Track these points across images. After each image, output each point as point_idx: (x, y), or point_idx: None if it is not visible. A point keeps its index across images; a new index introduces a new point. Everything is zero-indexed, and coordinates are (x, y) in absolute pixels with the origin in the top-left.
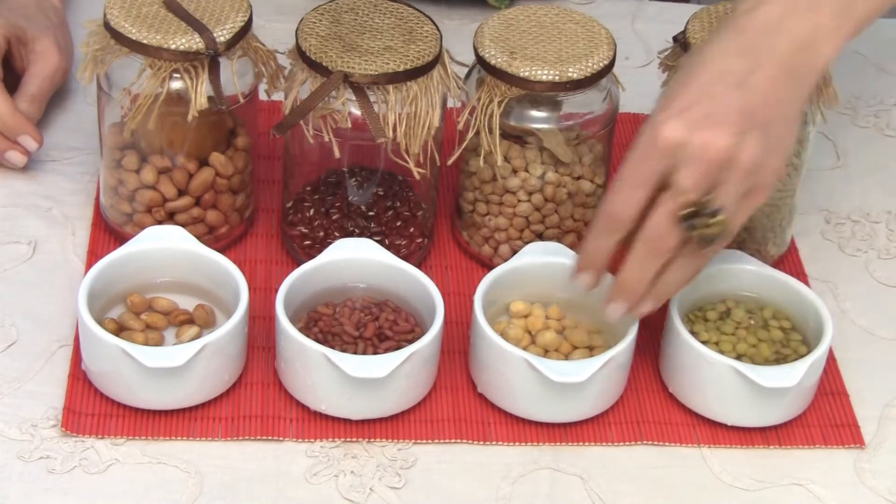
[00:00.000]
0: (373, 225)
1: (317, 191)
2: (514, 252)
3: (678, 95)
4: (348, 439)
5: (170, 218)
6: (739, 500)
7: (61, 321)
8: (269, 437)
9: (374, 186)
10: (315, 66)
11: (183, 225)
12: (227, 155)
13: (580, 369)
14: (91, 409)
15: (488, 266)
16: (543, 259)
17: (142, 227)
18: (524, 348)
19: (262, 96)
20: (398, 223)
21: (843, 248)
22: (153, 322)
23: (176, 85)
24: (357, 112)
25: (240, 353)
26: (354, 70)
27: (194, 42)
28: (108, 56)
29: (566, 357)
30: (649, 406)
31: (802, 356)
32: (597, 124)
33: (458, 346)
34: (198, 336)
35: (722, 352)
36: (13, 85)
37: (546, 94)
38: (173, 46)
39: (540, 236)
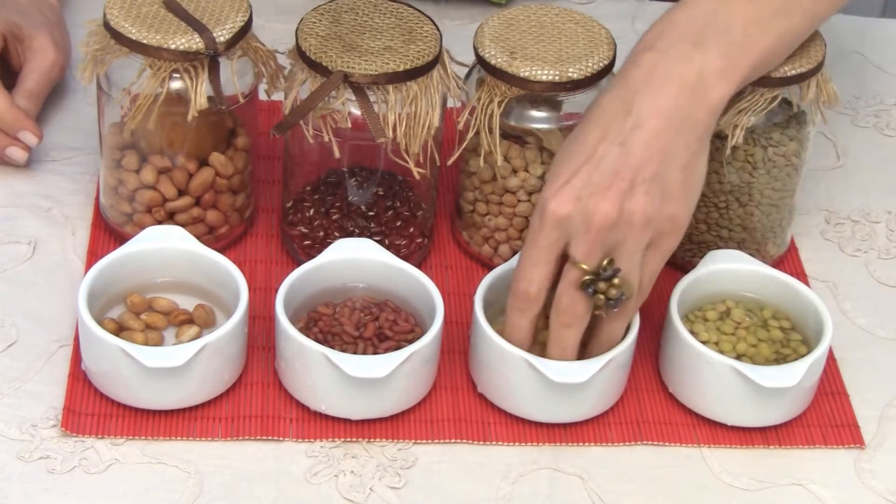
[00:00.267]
0: (373, 225)
1: (317, 191)
2: (514, 252)
3: (565, 163)
4: (348, 439)
5: (170, 218)
6: (739, 500)
7: (61, 321)
8: (269, 437)
9: (374, 186)
10: (315, 66)
11: (183, 225)
12: (227, 155)
13: (580, 369)
14: (91, 409)
15: (488, 266)
16: None
17: (142, 227)
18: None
19: (262, 96)
20: (398, 223)
21: (843, 248)
22: (153, 322)
23: (176, 85)
24: (357, 112)
25: (240, 353)
26: (354, 70)
27: (194, 42)
28: (108, 56)
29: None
30: (649, 406)
31: (802, 356)
32: None
33: (458, 346)
34: (198, 336)
35: (722, 352)
36: (10, 83)
37: (546, 94)
38: (173, 46)
39: None
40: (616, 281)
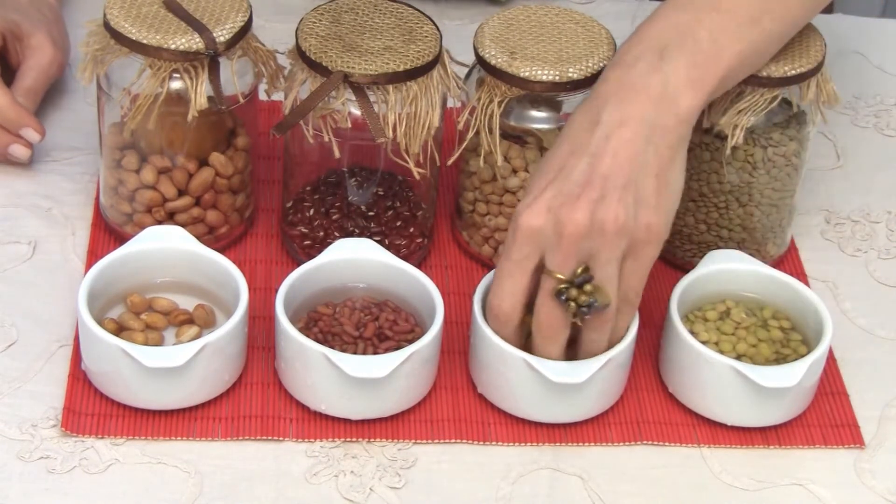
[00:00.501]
0: (373, 225)
1: (317, 191)
2: None
3: (537, 178)
4: (348, 439)
5: (170, 218)
6: (739, 500)
7: (61, 321)
8: (269, 437)
9: (374, 186)
10: (315, 66)
11: (183, 225)
12: (227, 155)
13: (580, 369)
14: (91, 409)
15: (488, 266)
16: None
17: (142, 227)
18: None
19: (262, 96)
20: (398, 223)
21: (843, 248)
22: (153, 322)
23: (176, 85)
24: (357, 112)
25: (240, 353)
26: (354, 70)
27: (194, 42)
28: (108, 56)
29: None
30: (649, 406)
31: (802, 356)
32: None
33: (458, 346)
34: (198, 336)
35: (722, 352)
36: (8, 81)
37: (546, 95)
38: (173, 46)
39: None
40: (588, 287)
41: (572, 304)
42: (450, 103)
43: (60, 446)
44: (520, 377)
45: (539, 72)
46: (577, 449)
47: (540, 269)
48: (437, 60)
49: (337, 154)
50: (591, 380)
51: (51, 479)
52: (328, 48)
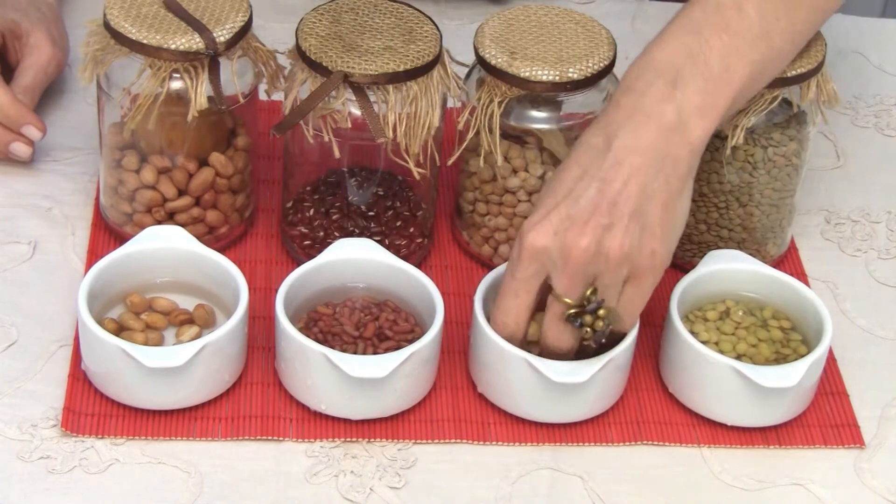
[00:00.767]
0: (373, 225)
1: (317, 191)
2: None
3: (546, 198)
4: (348, 439)
5: (170, 218)
6: (739, 500)
7: (61, 321)
8: (269, 437)
9: (374, 186)
10: (315, 66)
11: (183, 225)
12: (227, 155)
13: (580, 369)
14: (91, 409)
15: (488, 266)
16: None
17: (142, 227)
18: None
19: (262, 96)
20: (398, 223)
21: (843, 248)
22: (153, 322)
23: (176, 85)
24: (357, 112)
25: (240, 353)
26: (354, 70)
27: (194, 42)
28: (108, 56)
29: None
30: (649, 406)
31: (802, 356)
32: None
33: (458, 346)
34: (198, 336)
35: (722, 352)
36: (7, 80)
37: (546, 95)
38: (173, 46)
39: None
40: (601, 312)
41: (588, 329)
42: (450, 103)
43: (60, 446)
44: (520, 377)
45: (539, 72)
46: (577, 449)
47: (545, 286)
48: (437, 60)
49: (337, 154)
50: (592, 380)
51: (51, 479)
52: (328, 48)
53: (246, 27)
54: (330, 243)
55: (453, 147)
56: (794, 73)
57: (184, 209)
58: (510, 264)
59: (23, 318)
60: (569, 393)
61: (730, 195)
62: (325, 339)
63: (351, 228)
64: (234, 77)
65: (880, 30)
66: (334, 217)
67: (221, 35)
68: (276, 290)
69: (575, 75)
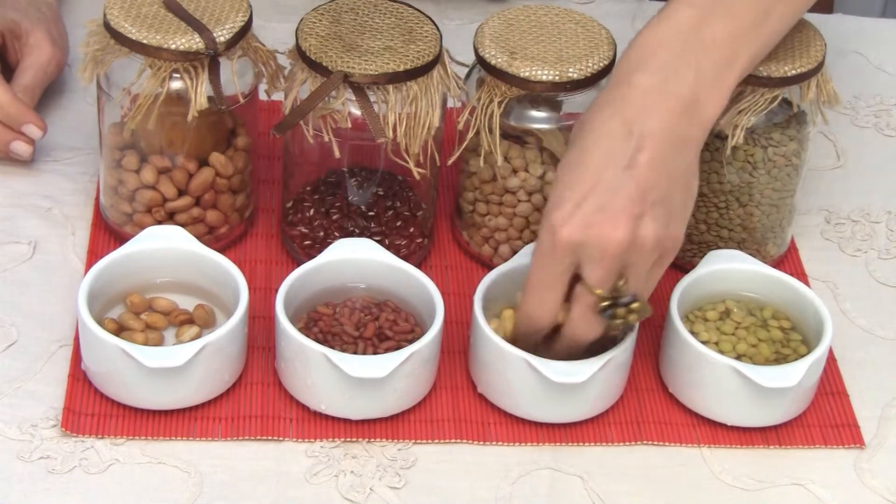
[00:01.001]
0: (373, 225)
1: (317, 191)
2: (514, 252)
3: (571, 186)
4: (348, 439)
5: (170, 218)
6: (739, 500)
7: (61, 321)
8: (269, 437)
9: (374, 186)
10: (315, 66)
11: (183, 225)
12: (227, 155)
13: (580, 369)
14: (91, 409)
15: (488, 266)
16: None
17: (142, 227)
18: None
19: (262, 96)
20: (398, 223)
21: (843, 248)
22: (153, 322)
23: (176, 85)
24: (357, 112)
25: (240, 353)
26: (354, 70)
27: (194, 42)
28: (108, 56)
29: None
30: (649, 406)
31: (802, 356)
32: None
33: (458, 346)
34: (198, 336)
35: (722, 352)
36: (7, 80)
37: (546, 94)
38: (173, 46)
39: None
40: (635, 306)
41: (619, 321)
42: (450, 103)
43: (60, 446)
44: (520, 377)
45: (539, 72)
46: (577, 449)
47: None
48: (437, 60)
49: (337, 154)
50: (592, 380)
51: (51, 479)
52: (328, 48)
53: (246, 27)
54: (330, 243)
55: (453, 147)
56: (794, 73)
57: (184, 209)
58: (540, 258)
59: (23, 318)
60: (569, 393)
61: (730, 195)
62: (325, 339)
63: (351, 228)
64: (234, 77)
65: (880, 30)
66: (334, 217)
67: (221, 35)
68: (276, 290)
69: (575, 75)
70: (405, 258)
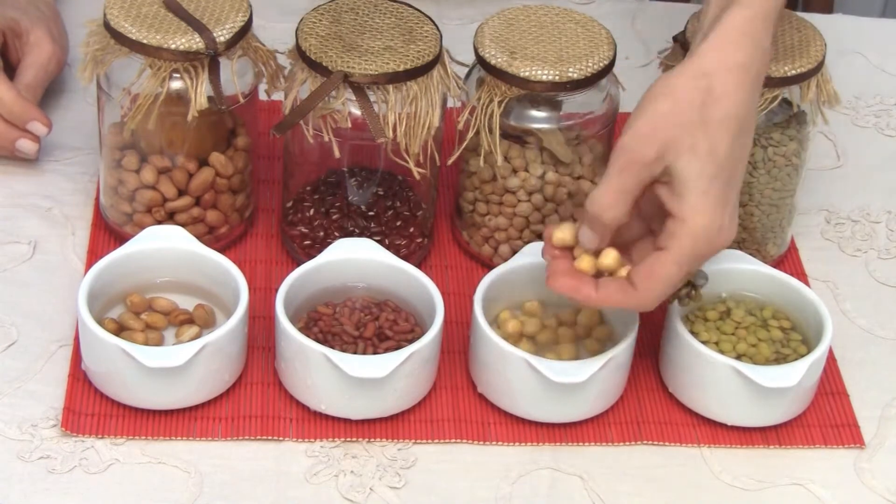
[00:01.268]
0: (373, 225)
1: (317, 191)
2: (514, 252)
3: (704, 172)
4: (348, 439)
5: (170, 218)
6: (739, 500)
7: (61, 321)
8: (269, 437)
9: (374, 186)
10: (315, 66)
11: (183, 225)
12: (227, 155)
13: (580, 369)
14: (91, 409)
15: (488, 266)
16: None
17: (142, 227)
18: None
19: (262, 96)
20: (398, 223)
21: (843, 248)
22: (153, 322)
23: (176, 85)
24: (357, 112)
25: (240, 353)
26: (354, 70)
27: (194, 42)
28: (108, 56)
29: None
30: (649, 406)
31: (802, 356)
32: (597, 124)
33: (458, 346)
34: (198, 336)
35: (722, 352)
36: (9, 78)
37: (546, 94)
38: (173, 46)
39: (540, 236)
40: (701, 290)
41: (686, 303)
42: (450, 103)
43: (60, 446)
44: (520, 377)
45: (539, 72)
46: (577, 449)
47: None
48: (437, 60)
49: (337, 154)
50: (591, 380)
51: (51, 479)
52: (328, 48)
53: (246, 27)
54: (330, 243)
55: (453, 147)
56: (794, 72)
57: (184, 209)
58: (624, 176)
59: (23, 318)
60: (569, 393)
61: None
62: (325, 339)
63: (351, 228)
64: (234, 77)
65: (880, 30)
66: (334, 217)
67: (221, 35)
68: (276, 290)
69: (575, 75)
70: (405, 258)
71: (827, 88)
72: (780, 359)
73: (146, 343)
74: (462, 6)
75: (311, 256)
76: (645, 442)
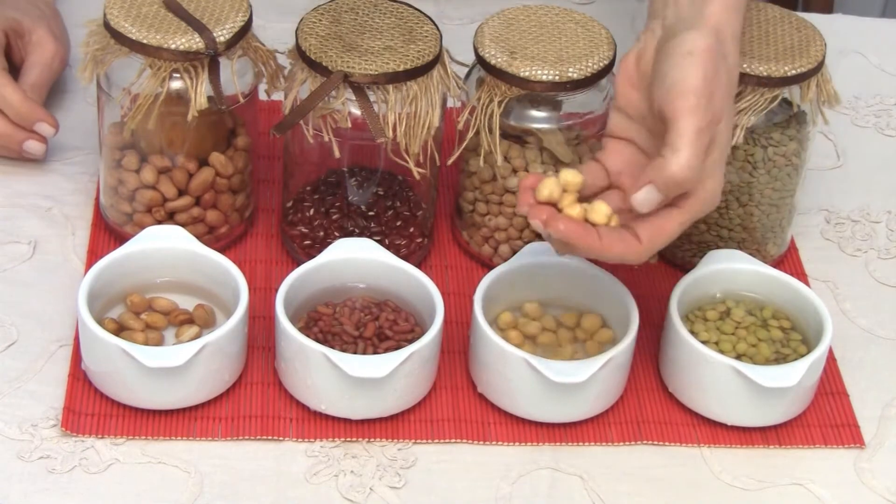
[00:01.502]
0: (373, 225)
1: (317, 191)
2: (514, 252)
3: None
4: (348, 439)
5: (170, 218)
6: (739, 500)
7: (61, 321)
8: (269, 437)
9: (374, 186)
10: (315, 66)
11: (183, 225)
12: (227, 155)
13: (580, 369)
14: (91, 409)
15: (488, 266)
16: (543, 259)
17: (142, 227)
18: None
19: (262, 96)
20: (398, 223)
21: (843, 248)
22: (153, 322)
23: (176, 85)
24: (357, 112)
25: (240, 353)
26: (354, 70)
27: (194, 42)
28: (108, 56)
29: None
30: (649, 406)
31: (802, 356)
32: (597, 124)
33: (458, 346)
34: (198, 336)
35: (722, 352)
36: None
37: (546, 94)
38: (173, 46)
39: (540, 236)
40: None
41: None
42: (450, 103)
43: (60, 446)
44: (520, 377)
45: (539, 72)
46: (577, 449)
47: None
48: (437, 60)
49: (337, 154)
50: (591, 380)
51: (51, 479)
52: (328, 48)
53: (246, 27)
54: (330, 243)
55: (453, 147)
56: (794, 72)
57: (184, 209)
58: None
59: (23, 318)
60: (568, 393)
61: (730, 195)
62: (325, 339)
63: (351, 228)
64: (234, 77)
65: (880, 30)
66: (334, 217)
67: (221, 35)
68: (276, 290)
69: (575, 75)
70: (405, 258)
71: (827, 88)
72: (780, 359)
73: (146, 343)
74: (462, 6)
75: (311, 256)
76: (645, 442)
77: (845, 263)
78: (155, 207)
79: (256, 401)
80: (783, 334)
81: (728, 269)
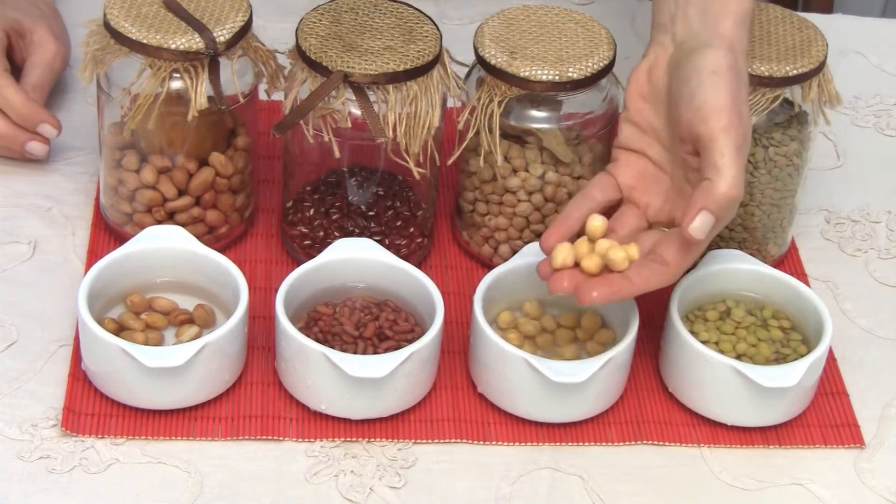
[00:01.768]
0: (373, 225)
1: (317, 191)
2: (514, 252)
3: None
4: (348, 439)
5: (170, 218)
6: (739, 500)
7: (61, 321)
8: (269, 437)
9: (374, 186)
10: (315, 66)
11: (183, 225)
12: (227, 155)
13: (580, 369)
14: (91, 409)
15: (488, 266)
16: (543, 259)
17: (142, 227)
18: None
19: (262, 96)
20: (398, 223)
21: (843, 248)
22: (153, 322)
23: (176, 85)
24: (357, 112)
25: (240, 353)
26: (354, 70)
27: (194, 42)
28: (108, 56)
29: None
30: (649, 406)
31: (802, 356)
32: (597, 124)
33: (458, 346)
34: (198, 336)
35: (722, 352)
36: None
37: (546, 94)
38: (173, 46)
39: (540, 236)
40: None
41: None
42: (450, 103)
43: (60, 446)
44: (520, 377)
45: (539, 72)
46: (577, 449)
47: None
48: (437, 60)
49: (337, 154)
50: (591, 380)
51: (51, 479)
52: (328, 48)
53: (246, 27)
54: (330, 243)
55: (453, 147)
56: (795, 72)
57: (184, 209)
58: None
59: (23, 318)
60: (568, 393)
61: None
62: (325, 339)
63: (351, 228)
64: (234, 77)
65: (880, 30)
66: (334, 217)
67: (221, 35)
68: (276, 290)
69: (575, 75)
70: (405, 258)
71: (828, 88)
72: (780, 359)
73: (146, 343)
74: (462, 6)
75: (311, 256)
76: (645, 442)
77: (845, 263)
78: (155, 207)
79: (256, 401)
80: (783, 334)
81: (728, 269)
